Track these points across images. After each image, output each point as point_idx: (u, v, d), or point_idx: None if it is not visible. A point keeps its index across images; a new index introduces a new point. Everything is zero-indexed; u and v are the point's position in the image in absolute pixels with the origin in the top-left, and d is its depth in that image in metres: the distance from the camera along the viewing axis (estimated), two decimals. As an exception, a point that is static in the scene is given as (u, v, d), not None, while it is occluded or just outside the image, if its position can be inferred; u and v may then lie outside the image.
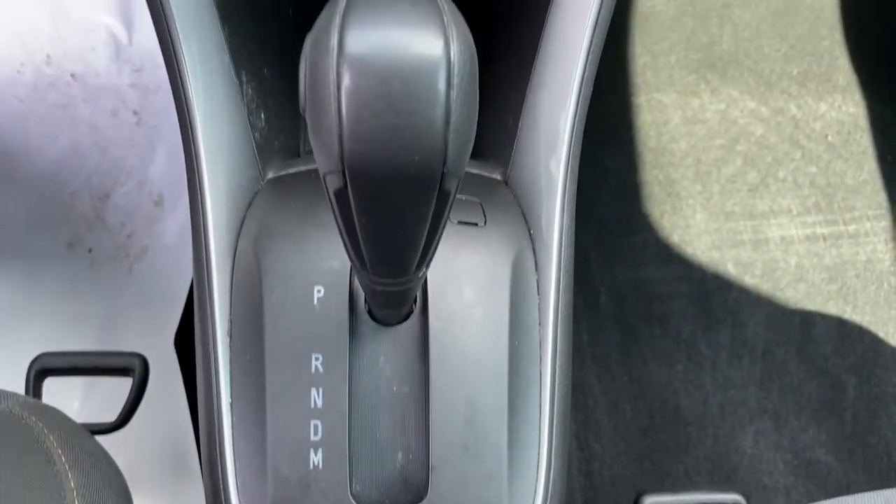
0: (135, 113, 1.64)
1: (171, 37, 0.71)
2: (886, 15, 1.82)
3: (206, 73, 0.73)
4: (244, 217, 0.78)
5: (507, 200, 0.81)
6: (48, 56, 1.69)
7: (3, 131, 1.62)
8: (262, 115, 0.83)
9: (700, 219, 1.62)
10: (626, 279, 1.55)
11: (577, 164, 0.79)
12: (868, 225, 1.64)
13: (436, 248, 0.59)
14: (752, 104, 1.72)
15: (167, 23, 0.71)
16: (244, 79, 0.80)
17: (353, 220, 0.54)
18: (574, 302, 0.82)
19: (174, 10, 0.71)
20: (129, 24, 1.70)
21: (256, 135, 0.81)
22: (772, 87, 1.74)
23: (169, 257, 1.47)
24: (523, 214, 0.80)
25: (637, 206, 1.62)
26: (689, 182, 1.65)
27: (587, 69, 0.77)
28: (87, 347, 1.40)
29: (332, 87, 0.47)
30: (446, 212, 0.56)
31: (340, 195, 0.53)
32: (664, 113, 1.71)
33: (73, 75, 1.68)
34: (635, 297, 1.54)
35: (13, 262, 1.52)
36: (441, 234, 0.57)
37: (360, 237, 0.56)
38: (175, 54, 0.71)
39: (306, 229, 0.73)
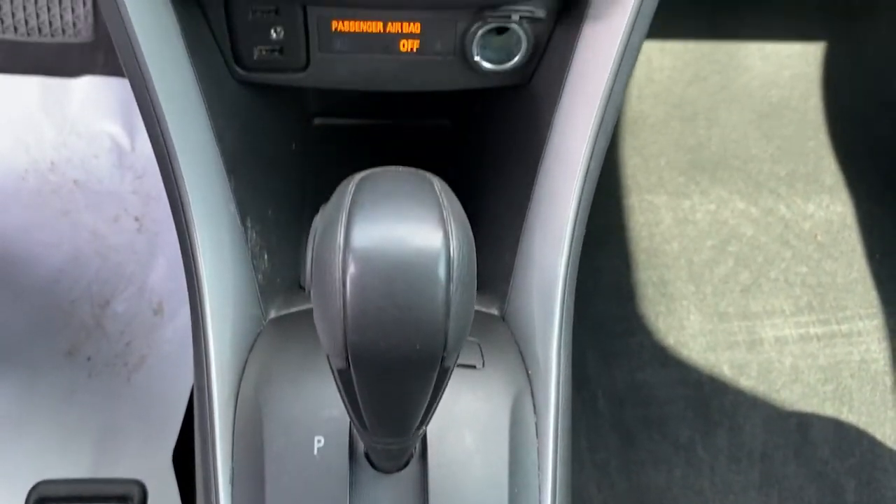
0: (136, 219, 1.67)
1: (179, 192, 0.73)
2: (868, 116, 1.88)
3: (212, 226, 0.75)
4: (247, 360, 0.79)
5: (505, 338, 0.83)
6: (52, 163, 1.73)
7: (6, 239, 1.65)
8: (266, 257, 0.86)
9: (694, 320, 1.64)
10: (624, 382, 1.56)
11: (573, 302, 0.81)
12: (861, 324, 1.65)
13: (435, 409, 0.60)
14: (741, 205, 1.76)
15: (176, 179, 0.74)
16: (249, 224, 0.82)
17: (354, 393, 0.56)
18: (572, 406, 0.82)
19: (182, 167, 0.73)
20: (131, 132, 1.74)
21: (259, 276, 0.83)
22: (760, 187, 1.78)
23: (167, 367, 1.48)
24: (521, 353, 0.82)
25: (632, 306, 1.64)
26: (683, 283, 1.67)
27: (580, 213, 0.79)
28: (84, 461, 1.40)
29: (338, 284, 0.49)
30: (446, 382, 0.57)
31: (343, 373, 0.54)
32: (656, 214, 1.74)
33: (75, 182, 1.71)
34: (633, 401, 1.54)
35: (12, 371, 1.53)
36: (440, 398, 0.59)
37: (360, 406, 0.57)
38: (183, 208, 0.74)
39: (307, 376, 0.74)
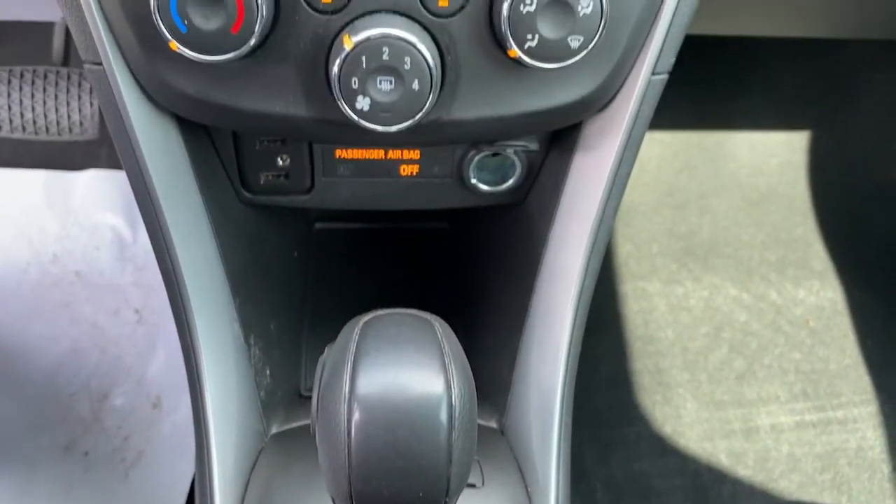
0: (136, 311, 1.68)
1: (186, 318, 0.76)
2: (854, 202, 1.92)
3: (218, 348, 0.77)
4: (248, 479, 0.80)
5: (504, 454, 0.84)
6: (54, 255, 1.75)
7: (6, 331, 1.66)
8: (268, 371, 0.87)
9: (691, 408, 1.64)
10: (622, 473, 1.55)
11: (571, 419, 0.82)
12: (856, 411, 1.66)
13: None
14: (734, 291, 1.79)
15: (183, 303, 0.76)
16: (252, 342, 0.84)
17: (358, 530, 0.57)
18: (571, 499, 0.83)
19: (190, 292, 0.75)
20: (133, 224, 1.77)
21: (262, 392, 0.85)
22: (752, 273, 1.82)
23: (165, 463, 1.47)
24: (520, 469, 0.83)
25: (629, 396, 1.65)
26: (678, 371, 1.69)
27: (575, 330, 0.82)
28: (79, 561, 1.38)
29: (343, 434, 0.51)
30: (448, 518, 0.58)
31: (348, 514, 0.56)
32: (650, 301, 1.76)
33: (77, 274, 1.73)
34: (632, 492, 1.54)
35: (9, 466, 1.52)
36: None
37: (365, 541, 0.58)
38: (190, 333, 0.76)
39: (308, 498, 0.75)
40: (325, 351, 0.58)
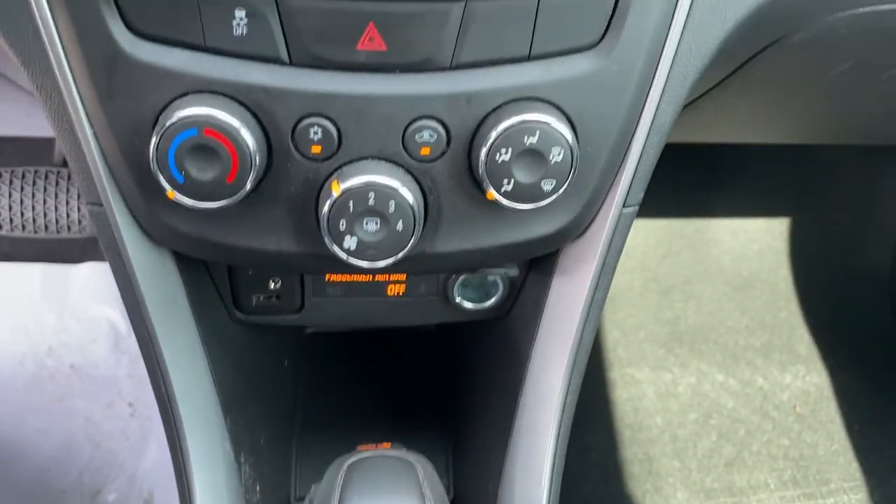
0: (130, 404, 1.70)
1: (179, 442, 0.78)
2: (836, 287, 1.96)
3: (209, 470, 0.79)
4: None
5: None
6: (50, 348, 1.77)
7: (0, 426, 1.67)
8: (258, 487, 0.89)
9: (681, 497, 1.65)
10: (614, 567, 1.55)
11: (555, 534, 0.84)
12: (845, 497, 1.67)
13: None
14: (720, 377, 1.81)
15: (175, 423, 0.78)
16: (242, 459, 0.87)
17: None
18: None
19: (182, 412, 0.78)
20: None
21: (252, 510, 0.87)
22: (738, 359, 1.84)
23: (156, 563, 1.47)
24: (508, 584, 0.84)
25: (619, 486, 1.66)
26: (668, 459, 1.70)
27: (559, 448, 0.84)
28: None
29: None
30: None
31: None
32: (638, 388, 1.79)
33: (72, 367, 1.75)
34: (623, 587, 1.53)
35: (-3, 566, 1.51)
36: None
37: None
38: (183, 457, 0.78)
39: None
40: (312, 489, 0.61)
